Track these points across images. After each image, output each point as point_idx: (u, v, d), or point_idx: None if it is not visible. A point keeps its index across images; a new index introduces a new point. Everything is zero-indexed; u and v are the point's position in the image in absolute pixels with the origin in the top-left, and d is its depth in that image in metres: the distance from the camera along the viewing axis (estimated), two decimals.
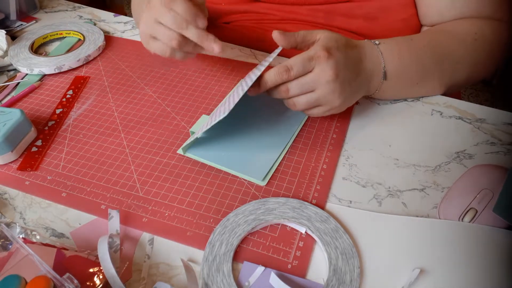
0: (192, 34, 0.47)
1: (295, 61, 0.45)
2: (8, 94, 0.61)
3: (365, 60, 0.50)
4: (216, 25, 0.74)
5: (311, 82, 0.46)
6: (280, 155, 0.50)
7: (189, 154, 0.50)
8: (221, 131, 0.53)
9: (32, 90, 0.61)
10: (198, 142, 0.51)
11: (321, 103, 0.48)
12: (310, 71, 0.46)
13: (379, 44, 0.52)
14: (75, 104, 0.59)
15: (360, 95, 0.52)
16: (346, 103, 0.49)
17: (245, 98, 0.58)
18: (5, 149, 0.49)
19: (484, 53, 0.56)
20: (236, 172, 0.48)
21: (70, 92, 0.61)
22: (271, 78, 0.46)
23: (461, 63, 0.56)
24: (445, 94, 0.59)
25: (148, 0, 0.50)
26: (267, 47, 0.69)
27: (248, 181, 0.47)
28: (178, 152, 0.51)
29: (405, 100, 0.59)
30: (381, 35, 0.64)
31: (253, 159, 0.49)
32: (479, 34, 0.55)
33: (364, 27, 0.63)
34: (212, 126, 0.52)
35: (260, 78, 0.46)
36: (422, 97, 0.59)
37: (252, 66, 0.65)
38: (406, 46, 0.53)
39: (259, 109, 0.56)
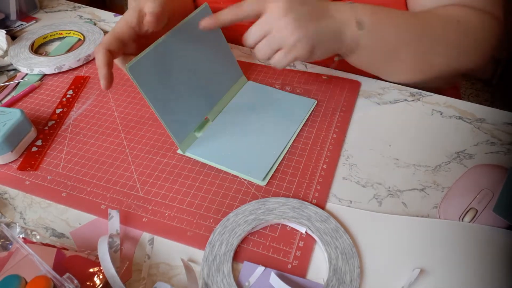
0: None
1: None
2: (8, 94, 0.61)
3: (330, 8, 0.49)
4: None
5: (264, 23, 0.46)
6: (280, 154, 0.50)
7: (189, 154, 0.50)
8: (221, 131, 0.53)
9: (32, 90, 0.61)
10: (198, 142, 0.51)
11: (279, 44, 0.47)
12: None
13: (351, 2, 0.51)
14: (75, 104, 0.59)
15: (334, 44, 0.50)
16: (308, 44, 0.47)
17: (245, 99, 0.58)
18: (5, 149, 0.49)
19: (467, 38, 0.55)
20: (236, 172, 0.48)
21: (70, 92, 0.61)
22: (224, 12, 0.47)
23: (441, 43, 0.54)
24: (427, 85, 0.58)
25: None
26: None
27: (248, 181, 0.47)
28: (178, 152, 0.51)
29: (405, 100, 0.59)
30: None
31: (253, 159, 0.49)
32: (464, 18, 0.54)
33: None
34: (213, 127, 0.52)
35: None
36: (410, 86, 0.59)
37: (252, 66, 0.65)
38: (383, 10, 0.52)
39: (259, 110, 0.56)
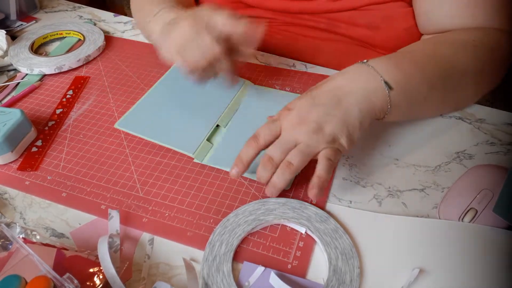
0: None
1: (260, 128, 0.44)
2: (8, 94, 0.61)
3: (349, 82, 0.45)
4: None
5: (285, 139, 0.43)
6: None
7: (206, 162, 0.49)
8: (236, 137, 0.52)
9: (32, 90, 0.61)
10: (215, 150, 0.51)
11: (310, 150, 0.43)
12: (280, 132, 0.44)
13: (367, 61, 0.47)
14: (75, 104, 0.59)
15: (363, 118, 0.44)
16: (338, 133, 0.43)
17: (253, 104, 0.58)
18: (5, 149, 0.49)
19: (486, 59, 0.53)
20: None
21: (70, 92, 0.61)
22: (243, 151, 0.44)
23: (467, 73, 0.52)
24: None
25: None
26: (271, 48, 0.69)
27: (249, 181, 0.47)
28: (195, 161, 0.50)
29: None
30: (384, 44, 0.62)
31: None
32: (478, 40, 0.52)
33: (367, 35, 0.62)
34: (226, 133, 0.53)
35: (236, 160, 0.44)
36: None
37: (254, 66, 0.65)
38: (402, 58, 0.49)
39: (270, 112, 0.55)
